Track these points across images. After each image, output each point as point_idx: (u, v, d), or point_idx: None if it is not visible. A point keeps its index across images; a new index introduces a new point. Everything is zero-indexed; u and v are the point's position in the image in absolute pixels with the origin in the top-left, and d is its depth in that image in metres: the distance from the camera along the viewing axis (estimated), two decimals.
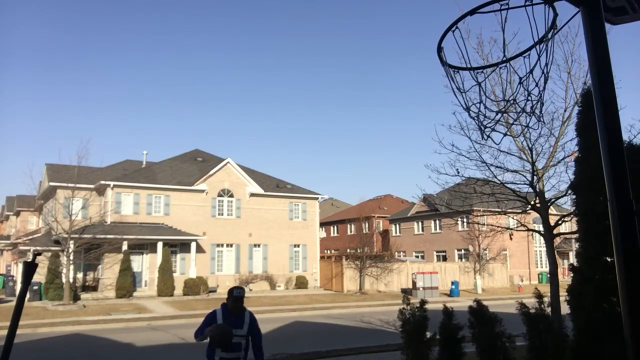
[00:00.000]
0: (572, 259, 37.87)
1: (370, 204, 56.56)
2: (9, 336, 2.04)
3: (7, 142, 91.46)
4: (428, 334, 8.20)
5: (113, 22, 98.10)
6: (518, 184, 11.66)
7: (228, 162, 35.32)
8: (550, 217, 11.38)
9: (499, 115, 2.61)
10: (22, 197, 49.49)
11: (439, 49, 2.48)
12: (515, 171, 11.66)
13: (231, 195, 35.01)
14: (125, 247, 28.78)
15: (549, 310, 7.99)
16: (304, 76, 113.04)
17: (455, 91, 2.53)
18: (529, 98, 2.39)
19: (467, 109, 2.52)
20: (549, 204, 11.68)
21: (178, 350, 14.49)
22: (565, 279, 30.83)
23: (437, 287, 31.35)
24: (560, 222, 11.09)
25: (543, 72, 2.31)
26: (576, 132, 6.66)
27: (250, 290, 33.69)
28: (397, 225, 50.74)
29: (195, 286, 29.65)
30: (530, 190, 11.49)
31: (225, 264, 34.22)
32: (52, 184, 31.02)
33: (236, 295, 5.35)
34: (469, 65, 2.52)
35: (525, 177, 11.49)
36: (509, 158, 13.29)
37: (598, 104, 2.02)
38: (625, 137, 8.11)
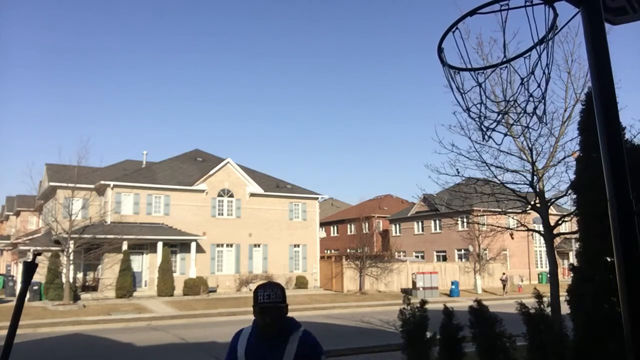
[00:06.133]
0: (572, 259, 37.87)
1: (370, 204, 56.56)
2: (9, 336, 2.04)
3: (7, 142, 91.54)
4: (428, 334, 8.21)
5: (113, 23, 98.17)
6: (518, 184, 11.67)
7: (228, 162, 35.33)
8: (550, 217, 11.38)
9: (500, 116, 2.60)
10: (22, 197, 49.51)
11: (439, 50, 2.48)
12: (515, 171, 11.67)
13: (231, 195, 35.02)
14: (125, 247, 28.78)
15: (549, 310, 7.98)
16: (304, 76, 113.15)
17: (455, 92, 2.53)
18: (530, 99, 2.39)
19: (467, 110, 2.52)
20: (549, 204, 11.68)
21: (178, 351, 14.49)
22: (565, 278, 30.84)
23: (437, 287, 31.36)
24: (560, 222, 11.09)
25: (544, 73, 2.31)
26: (578, 131, 6.67)
27: (250, 290, 33.71)
28: (397, 225, 50.75)
29: (195, 286, 29.66)
30: (530, 190, 11.49)
31: (225, 264, 34.23)
32: (52, 184, 31.02)
33: (262, 303, 2.71)
34: (469, 66, 2.52)
35: (525, 177, 11.49)
36: (509, 158, 13.29)
37: (598, 104, 2.02)
38: (627, 137, 8.10)
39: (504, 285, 33.64)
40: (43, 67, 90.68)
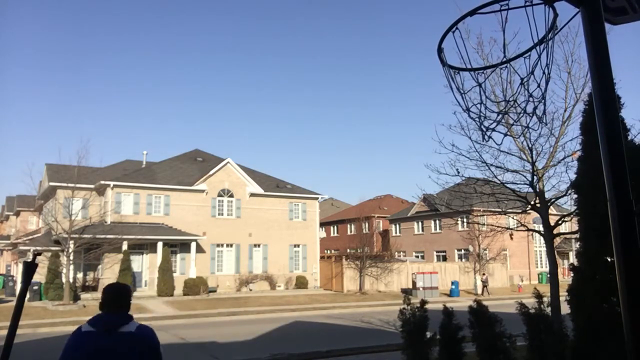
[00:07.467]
0: (572, 259, 37.87)
1: (370, 204, 56.56)
2: (9, 336, 2.04)
3: (7, 142, 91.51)
4: (428, 334, 8.20)
5: (112, 22, 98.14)
6: (518, 184, 11.67)
7: (228, 162, 35.34)
8: (550, 217, 11.38)
9: (500, 116, 2.60)
10: (22, 197, 49.50)
11: (439, 50, 2.48)
12: (515, 171, 11.67)
13: (231, 195, 35.03)
14: (125, 247, 28.78)
15: (548, 310, 7.98)
16: (304, 76, 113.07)
17: (455, 92, 2.53)
18: (530, 99, 2.39)
19: (467, 110, 2.52)
20: (549, 204, 11.69)
21: (178, 351, 14.48)
22: (565, 279, 30.82)
23: (437, 287, 31.36)
24: (560, 222, 11.09)
25: (544, 73, 2.31)
26: (580, 131, 6.67)
27: (251, 290, 33.72)
28: (397, 225, 50.75)
29: (195, 286, 29.66)
30: (530, 190, 11.49)
31: (225, 264, 34.23)
32: (52, 184, 31.03)
33: None
34: (469, 66, 2.51)
35: (525, 177, 11.49)
36: (509, 158, 13.31)
37: (598, 105, 2.02)
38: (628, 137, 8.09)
39: (484, 286, 32.94)
40: (43, 67, 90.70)
